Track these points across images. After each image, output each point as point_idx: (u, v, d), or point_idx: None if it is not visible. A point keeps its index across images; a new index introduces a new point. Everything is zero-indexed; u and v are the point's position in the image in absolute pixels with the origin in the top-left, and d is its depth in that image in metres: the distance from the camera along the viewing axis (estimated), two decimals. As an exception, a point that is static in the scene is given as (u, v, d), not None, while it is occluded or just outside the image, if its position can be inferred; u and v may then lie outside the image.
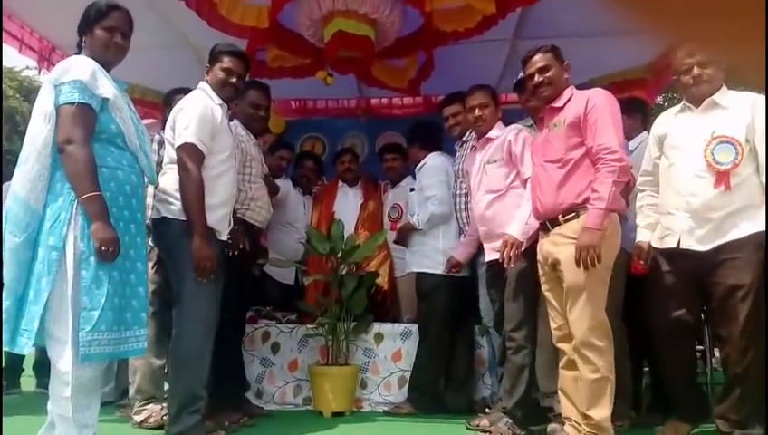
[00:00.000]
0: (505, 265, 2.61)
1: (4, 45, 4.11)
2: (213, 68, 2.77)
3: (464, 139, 3.33)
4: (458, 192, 3.31)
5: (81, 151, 1.97)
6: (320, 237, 3.43)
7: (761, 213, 2.29)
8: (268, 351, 3.57)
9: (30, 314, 1.91)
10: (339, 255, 3.38)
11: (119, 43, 2.20)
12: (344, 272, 3.44)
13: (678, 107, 2.52)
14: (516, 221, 2.64)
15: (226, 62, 2.75)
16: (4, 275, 1.96)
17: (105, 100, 2.07)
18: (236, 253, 2.83)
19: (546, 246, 2.45)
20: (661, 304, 2.54)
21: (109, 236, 1.94)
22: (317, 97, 5.47)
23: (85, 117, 2.01)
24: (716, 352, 4.28)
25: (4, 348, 1.97)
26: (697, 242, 2.38)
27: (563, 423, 2.37)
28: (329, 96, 5.41)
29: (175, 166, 2.48)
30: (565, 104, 2.46)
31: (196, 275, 2.39)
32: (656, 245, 2.54)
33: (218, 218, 2.56)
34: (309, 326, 3.53)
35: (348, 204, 4.21)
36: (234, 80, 2.76)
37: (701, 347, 4.62)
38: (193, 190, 2.42)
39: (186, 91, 2.84)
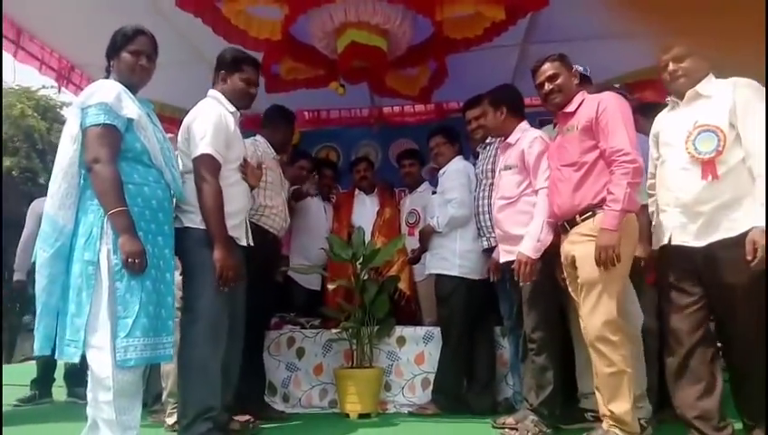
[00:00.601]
0: (520, 283, 2.68)
1: (24, 66, 4.26)
2: (231, 77, 2.75)
3: (487, 141, 3.38)
4: (480, 194, 3.35)
5: (107, 169, 2.10)
6: (342, 244, 3.51)
7: (756, 205, 2.15)
8: (293, 356, 3.65)
9: (74, 325, 2.05)
10: (360, 260, 3.45)
11: (144, 66, 2.34)
12: (366, 277, 3.52)
13: (669, 104, 2.50)
14: (528, 238, 2.68)
15: (246, 71, 2.76)
16: (36, 288, 2.10)
17: (130, 120, 2.20)
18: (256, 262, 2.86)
19: (566, 246, 2.53)
20: (669, 305, 2.43)
21: (135, 249, 2.07)
22: (330, 107, 5.57)
23: (111, 137, 2.14)
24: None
25: (60, 358, 2.12)
26: (692, 238, 2.27)
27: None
28: (342, 106, 5.50)
29: (191, 175, 2.52)
30: (577, 109, 2.54)
31: (219, 285, 2.44)
32: (654, 247, 2.49)
33: (236, 224, 2.61)
34: (333, 331, 3.60)
35: (365, 211, 4.30)
36: (254, 90, 2.81)
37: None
38: (213, 201, 2.47)
39: None
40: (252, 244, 2.74)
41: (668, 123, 2.41)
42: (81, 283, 2.05)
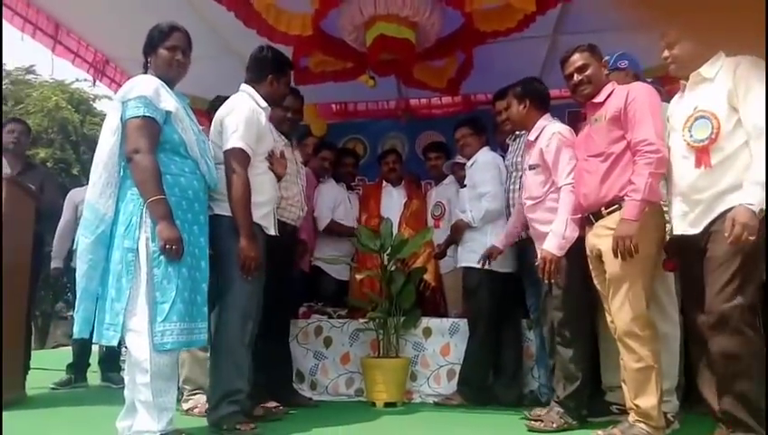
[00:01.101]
0: (545, 281, 2.68)
1: (59, 59, 4.38)
2: (277, 82, 2.86)
3: (517, 133, 3.37)
4: (510, 187, 3.36)
5: (146, 159, 2.18)
6: (370, 235, 3.54)
7: (749, 184, 2.03)
8: (321, 344, 3.71)
9: (114, 310, 2.13)
10: (388, 251, 3.48)
11: (180, 61, 2.43)
12: (393, 268, 3.55)
13: (681, 88, 2.39)
14: (552, 236, 2.67)
15: (289, 76, 2.95)
16: (77, 274, 2.20)
17: (168, 113, 2.29)
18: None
19: (591, 239, 2.52)
20: (684, 296, 2.42)
21: (173, 236, 2.14)
22: (357, 100, 5.59)
23: (150, 129, 2.23)
24: None
25: (97, 341, 2.21)
26: (690, 226, 2.19)
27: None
28: (369, 99, 5.52)
29: (220, 166, 2.59)
30: (606, 99, 2.52)
31: (242, 274, 2.51)
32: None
33: (264, 214, 2.69)
34: (360, 321, 3.65)
35: (392, 203, 4.33)
36: (288, 94, 3.02)
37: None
38: (241, 193, 2.54)
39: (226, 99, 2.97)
40: (278, 234, 2.81)
41: (675, 108, 2.34)
42: (121, 269, 2.13)
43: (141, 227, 2.16)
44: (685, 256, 2.26)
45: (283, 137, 3.31)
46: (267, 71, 2.85)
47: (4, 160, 3.75)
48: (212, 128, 2.73)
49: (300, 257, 3.84)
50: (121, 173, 2.25)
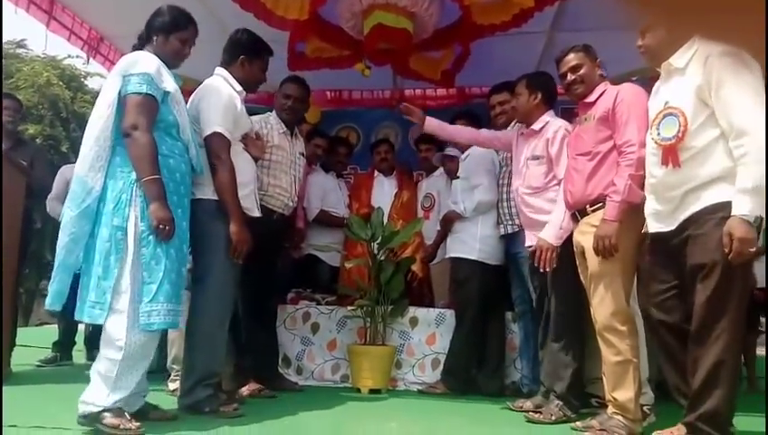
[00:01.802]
0: (541, 270, 2.72)
1: (53, 35, 4.33)
2: (249, 65, 2.81)
3: (508, 128, 3.39)
4: (501, 181, 3.40)
5: (144, 137, 2.17)
6: (361, 224, 3.57)
7: (726, 186, 1.95)
8: (308, 330, 3.73)
9: (101, 288, 2.11)
10: (378, 241, 3.51)
11: (186, 54, 2.46)
12: (383, 258, 3.58)
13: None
14: (550, 226, 2.72)
15: (266, 61, 2.88)
16: (57, 246, 2.16)
17: (167, 93, 2.28)
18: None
19: (576, 236, 2.58)
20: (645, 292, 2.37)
21: (166, 216, 2.14)
22: (352, 88, 5.59)
23: (150, 107, 2.22)
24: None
25: (81, 319, 2.19)
26: (662, 223, 2.15)
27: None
28: (363, 87, 5.52)
29: (201, 150, 2.57)
30: (597, 99, 2.57)
31: (233, 257, 2.51)
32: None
33: (245, 195, 2.68)
34: (348, 308, 3.68)
35: (383, 193, 4.34)
36: (263, 78, 2.91)
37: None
38: (228, 178, 2.54)
39: None
40: (260, 215, 2.81)
41: (652, 103, 2.29)
42: (109, 247, 2.12)
43: (131, 205, 2.14)
44: (655, 253, 2.23)
45: (283, 125, 3.31)
46: (239, 52, 2.81)
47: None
48: (186, 109, 2.70)
49: (294, 246, 3.87)
50: (112, 149, 2.21)
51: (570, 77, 2.64)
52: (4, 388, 2.95)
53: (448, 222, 3.62)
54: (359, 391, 3.37)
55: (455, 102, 5.36)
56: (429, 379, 3.55)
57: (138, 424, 2.09)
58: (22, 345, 4.23)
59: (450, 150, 3.89)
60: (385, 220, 3.82)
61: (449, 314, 3.63)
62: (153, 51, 2.36)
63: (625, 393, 2.32)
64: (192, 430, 2.19)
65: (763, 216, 1.89)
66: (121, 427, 2.04)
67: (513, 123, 3.34)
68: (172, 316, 2.21)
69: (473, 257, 3.42)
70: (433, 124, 3.35)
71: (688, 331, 2.06)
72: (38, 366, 4.18)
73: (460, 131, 3.42)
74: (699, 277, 1.99)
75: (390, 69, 4.61)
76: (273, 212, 3.19)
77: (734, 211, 1.89)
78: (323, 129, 4.82)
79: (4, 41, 15.99)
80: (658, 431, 2.14)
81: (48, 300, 2.17)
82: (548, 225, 2.74)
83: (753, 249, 1.86)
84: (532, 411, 2.74)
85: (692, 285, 2.03)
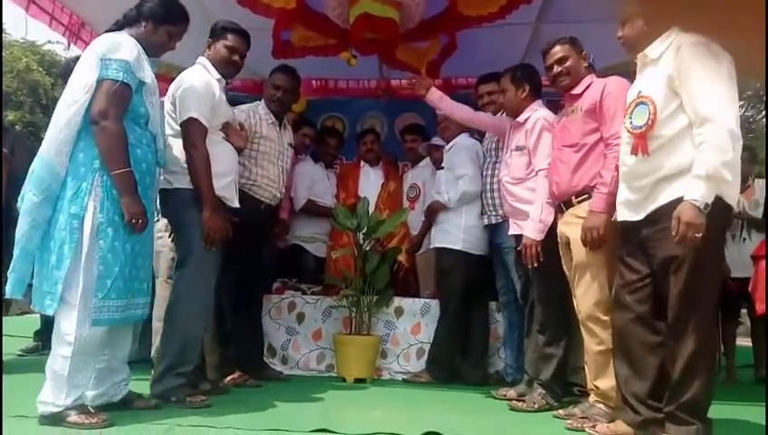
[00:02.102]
0: (529, 266, 2.75)
1: (34, 20, 4.24)
2: (215, 44, 2.80)
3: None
4: (485, 172, 3.41)
5: (115, 128, 2.10)
6: (347, 214, 3.57)
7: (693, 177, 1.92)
8: (293, 320, 3.74)
9: (53, 278, 2.04)
10: (364, 231, 3.51)
11: (172, 48, 2.41)
12: (369, 247, 3.59)
13: None
14: (530, 222, 2.75)
15: (230, 39, 2.79)
16: (17, 232, 2.07)
17: (143, 83, 2.22)
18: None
19: (561, 227, 2.61)
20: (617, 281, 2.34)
21: (139, 210, 2.11)
22: (338, 77, 5.55)
23: (124, 96, 2.15)
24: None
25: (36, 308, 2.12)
26: (632, 212, 2.15)
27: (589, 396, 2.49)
28: (350, 76, 5.48)
29: (178, 139, 2.57)
30: (583, 91, 2.59)
31: (206, 245, 2.49)
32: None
33: (224, 185, 2.66)
34: (333, 298, 3.68)
35: (369, 183, 4.35)
36: (236, 58, 2.81)
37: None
38: (202, 165, 2.52)
39: None
40: (239, 205, 2.78)
41: (630, 93, 2.28)
42: (64, 235, 2.05)
43: (90, 195, 2.07)
44: (626, 243, 2.22)
45: (272, 115, 3.29)
46: (209, 36, 2.81)
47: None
48: (166, 100, 2.68)
49: (277, 236, 3.85)
50: (80, 133, 2.12)
51: (556, 69, 2.65)
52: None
53: (433, 212, 3.63)
54: (344, 380, 3.39)
55: (441, 93, 5.34)
56: (414, 368, 3.58)
57: (103, 416, 2.07)
58: (3, 335, 4.18)
59: (436, 140, 3.90)
60: (371, 210, 3.83)
61: (434, 305, 3.65)
62: (136, 35, 2.29)
63: (607, 382, 2.36)
64: (174, 417, 2.19)
65: (710, 202, 1.87)
66: (86, 423, 2.02)
67: (500, 113, 3.35)
68: (121, 312, 2.12)
69: (457, 247, 3.44)
70: (435, 95, 3.37)
71: (654, 325, 2.10)
72: (20, 356, 4.13)
73: (460, 108, 3.41)
74: (671, 270, 2.00)
75: (377, 59, 4.60)
76: (261, 202, 3.18)
77: (686, 196, 1.91)
78: (309, 118, 4.78)
79: (-19, 25, 15.64)
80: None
81: (8, 289, 2.07)
82: (528, 221, 2.77)
83: (699, 234, 1.86)
84: (516, 400, 2.78)
85: (664, 278, 2.04)
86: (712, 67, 1.95)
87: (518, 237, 2.90)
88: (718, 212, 1.92)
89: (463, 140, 3.61)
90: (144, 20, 2.33)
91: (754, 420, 2.49)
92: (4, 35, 15.89)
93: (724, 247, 2.13)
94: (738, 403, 2.90)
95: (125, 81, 2.14)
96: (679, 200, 1.94)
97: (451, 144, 3.64)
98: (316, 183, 4.15)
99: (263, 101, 3.37)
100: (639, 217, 2.13)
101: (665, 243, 2.01)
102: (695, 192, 1.89)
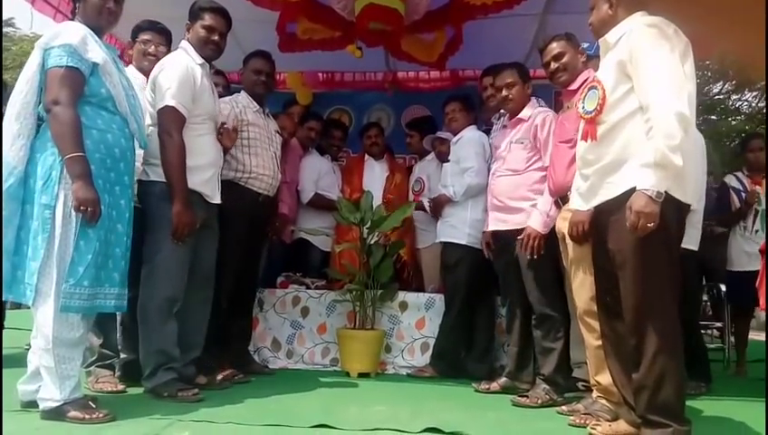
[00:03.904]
0: (528, 257, 2.74)
1: (40, 15, 4.25)
2: (194, 25, 2.72)
3: (501, 111, 3.38)
4: (491, 165, 3.38)
5: (66, 113, 2.05)
6: (350, 207, 3.54)
7: (639, 165, 1.88)
8: (298, 314, 3.73)
9: (30, 268, 2.04)
10: (368, 225, 3.50)
11: (111, 9, 2.26)
12: (372, 241, 3.57)
13: None
14: (537, 213, 2.74)
15: (207, 19, 2.71)
16: None
17: (95, 64, 2.15)
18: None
19: (558, 222, 2.60)
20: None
21: (89, 197, 2.02)
22: (344, 70, 5.52)
23: (73, 79, 2.09)
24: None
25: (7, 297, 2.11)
26: (582, 201, 2.13)
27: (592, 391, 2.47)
28: (356, 69, 5.46)
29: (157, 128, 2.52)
30: (580, 86, 2.55)
31: (173, 239, 2.46)
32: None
33: (205, 180, 2.61)
34: (337, 292, 3.68)
35: (374, 176, 4.32)
36: (215, 38, 2.73)
37: (719, 324, 4.69)
38: (174, 155, 2.46)
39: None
40: (219, 202, 2.74)
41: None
42: (37, 226, 2.04)
43: (60, 183, 2.04)
44: (593, 236, 2.18)
45: (255, 102, 3.24)
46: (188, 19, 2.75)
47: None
48: (147, 87, 2.63)
49: (278, 231, 3.83)
50: (42, 125, 2.12)
51: (553, 65, 2.65)
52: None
53: (439, 205, 3.61)
54: (348, 374, 3.38)
55: (448, 85, 5.31)
56: (418, 363, 3.57)
57: (105, 411, 2.07)
58: (11, 328, 4.22)
59: (442, 133, 3.86)
60: (377, 203, 3.80)
61: (439, 299, 3.63)
62: (81, 19, 2.23)
63: (607, 377, 2.32)
64: (174, 412, 2.19)
65: (662, 190, 1.82)
66: (87, 418, 2.02)
67: (498, 113, 3.35)
68: (91, 300, 2.08)
69: (462, 242, 3.41)
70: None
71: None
72: (27, 349, 4.16)
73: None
74: (617, 265, 1.96)
75: (383, 51, 4.57)
76: (259, 195, 3.15)
77: (638, 185, 1.85)
78: (315, 111, 4.76)
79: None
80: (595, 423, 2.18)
81: None
82: (535, 212, 2.77)
83: (652, 224, 1.80)
84: (519, 395, 2.76)
85: (610, 274, 2.00)
86: (663, 49, 1.88)
87: (495, 233, 3.00)
88: (665, 206, 1.84)
89: (469, 132, 3.58)
90: (74, 1, 2.27)
91: (759, 417, 2.45)
92: (14, 30, 16.03)
93: (680, 244, 2.03)
94: (747, 399, 2.87)
95: (69, 64, 2.08)
96: (627, 193, 1.88)
97: (458, 137, 3.61)
98: (322, 176, 4.15)
99: (242, 91, 3.29)
100: (587, 206, 2.11)
101: (611, 236, 1.98)
102: (645, 181, 1.83)
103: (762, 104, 13.23)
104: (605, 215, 2.03)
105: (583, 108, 2.08)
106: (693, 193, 2.03)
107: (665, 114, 1.83)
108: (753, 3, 2.58)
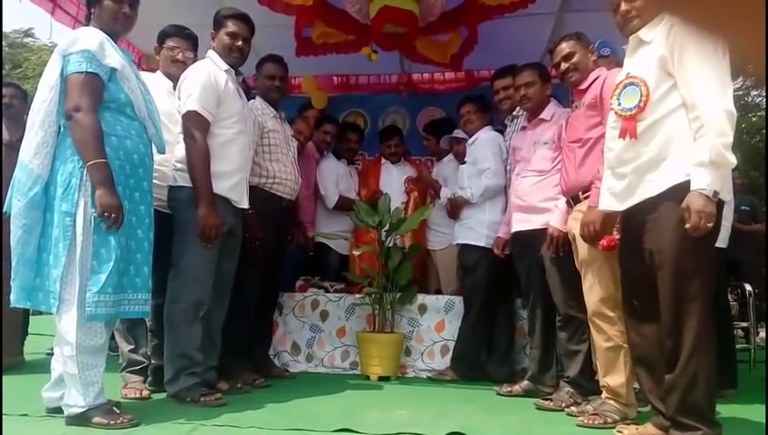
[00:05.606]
0: (551, 255, 2.72)
1: (57, 23, 4.30)
2: (218, 34, 2.77)
3: (514, 114, 3.36)
4: (509, 167, 3.35)
5: (88, 119, 2.05)
6: (368, 211, 3.54)
7: (683, 162, 1.87)
8: (317, 318, 3.73)
9: (52, 277, 2.04)
10: (386, 228, 3.49)
11: (126, 14, 2.26)
12: (391, 244, 3.56)
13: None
14: (558, 212, 2.73)
15: (230, 26, 2.75)
16: (11, 239, 2.07)
17: (113, 70, 2.15)
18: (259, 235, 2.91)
19: (570, 222, 2.58)
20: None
21: (112, 203, 2.02)
22: (359, 73, 5.52)
23: (93, 85, 2.09)
24: (761, 331, 4.28)
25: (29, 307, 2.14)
26: (616, 201, 2.07)
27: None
28: (371, 72, 5.46)
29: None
30: (589, 86, 2.55)
31: (201, 242, 2.47)
32: None
33: (232, 185, 2.63)
34: (356, 296, 3.67)
35: (391, 180, 4.32)
36: (239, 43, 2.76)
37: (744, 324, 4.61)
38: (198, 158, 2.49)
39: None
40: (248, 207, 2.76)
41: (617, 76, 2.19)
42: (58, 234, 2.03)
43: (80, 190, 2.04)
44: (623, 236, 2.15)
45: (271, 108, 3.26)
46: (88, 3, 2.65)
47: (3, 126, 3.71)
48: (175, 96, 2.67)
49: (296, 239, 3.83)
50: (61, 132, 2.11)
51: (563, 65, 2.63)
52: (16, 377, 2.99)
53: (456, 207, 3.58)
54: (368, 378, 3.37)
55: (463, 86, 5.29)
56: (439, 366, 3.55)
57: (129, 416, 2.08)
58: (34, 334, 4.27)
59: (458, 133, 3.84)
60: (393, 206, 3.79)
61: (458, 301, 3.61)
62: (96, 24, 2.23)
63: (616, 378, 2.33)
64: (197, 417, 2.20)
65: (718, 189, 1.79)
66: (111, 423, 2.03)
67: (517, 108, 3.30)
68: (116, 307, 2.09)
69: (481, 244, 3.39)
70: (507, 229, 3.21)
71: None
72: (48, 354, 4.21)
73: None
74: (656, 265, 1.92)
75: (398, 54, 4.56)
76: (282, 199, 3.17)
77: (693, 186, 1.82)
78: (330, 114, 4.77)
79: (10, 30, 15.99)
80: (622, 426, 2.15)
81: (12, 297, 2.06)
82: (556, 211, 2.75)
83: (711, 224, 1.78)
84: (544, 398, 2.73)
85: (647, 275, 1.96)
86: (707, 49, 1.83)
87: (517, 234, 2.98)
88: None
89: (485, 133, 3.56)
90: (90, 6, 2.27)
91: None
92: (33, 40, 16.30)
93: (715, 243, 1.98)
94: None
95: (89, 70, 2.08)
96: (669, 191, 1.86)
97: (474, 138, 3.59)
98: (340, 180, 4.14)
99: (257, 97, 3.30)
100: (621, 207, 2.06)
101: (649, 235, 1.94)
102: (702, 180, 1.80)
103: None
104: (642, 214, 1.98)
105: (620, 105, 2.02)
106: (728, 189, 2.00)
107: (715, 112, 1.81)
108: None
